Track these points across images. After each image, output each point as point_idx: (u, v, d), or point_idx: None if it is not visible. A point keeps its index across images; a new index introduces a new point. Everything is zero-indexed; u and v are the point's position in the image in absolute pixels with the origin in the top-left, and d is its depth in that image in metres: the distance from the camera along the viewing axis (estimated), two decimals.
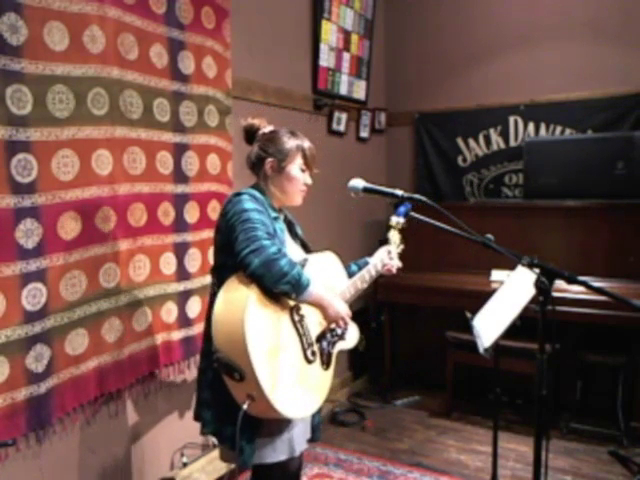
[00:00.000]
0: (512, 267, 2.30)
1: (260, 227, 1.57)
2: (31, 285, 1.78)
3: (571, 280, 1.55)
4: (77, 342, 1.95)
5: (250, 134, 1.82)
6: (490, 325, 2.12)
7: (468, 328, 2.19)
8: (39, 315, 1.80)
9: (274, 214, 1.73)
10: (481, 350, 2.06)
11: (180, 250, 2.38)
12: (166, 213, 2.30)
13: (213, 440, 2.58)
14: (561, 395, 3.34)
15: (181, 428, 2.49)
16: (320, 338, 1.73)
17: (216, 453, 2.52)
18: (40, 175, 1.80)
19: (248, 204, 1.63)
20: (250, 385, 1.48)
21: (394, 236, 2.01)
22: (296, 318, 1.65)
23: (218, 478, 2.52)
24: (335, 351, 1.80)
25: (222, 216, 1.69)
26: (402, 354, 4.00)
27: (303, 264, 1.73)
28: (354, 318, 1.85)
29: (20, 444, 1.80)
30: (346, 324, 1.73)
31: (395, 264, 2.01)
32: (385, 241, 2.03)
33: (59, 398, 1.89)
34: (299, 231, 1.93)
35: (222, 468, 2.52)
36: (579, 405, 3.30)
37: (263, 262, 1.50)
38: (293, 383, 1.59)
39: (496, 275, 3.30)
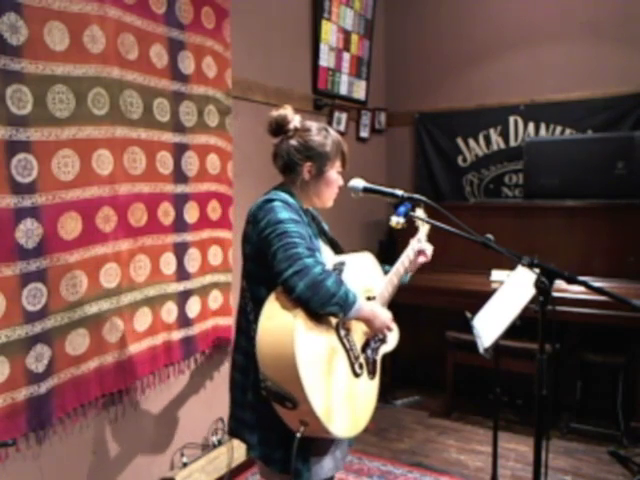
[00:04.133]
0: (512, 267, 2.31)
1: (300, 242, 1.43)
2: (31, 285, 1.78)
3: (571, 280, 1.55)
4: (78, 342, 1.95)
5: (279, 127, 1.63)
6: (490, 325, 2.13)
7: (468, 328, 2.20)
8: (39, 315, 1.80)
9: (306, 219, 1.61)
10: (481, 350, 2.06)
11: (180, 250, 2.38)
12: (166, 213, 2.30)
13: (213, 440, 2.58)
14: (561, 395, 3.34)
15: (181, 428, 2.49)
16: (364, 348, 1.65)
17: (216, 453, 2.53)
18: (40, 175, 1.80)
19: (283, 214, 1.49)
20: (303, 412, 1.40)
21: (420, 217, 1.94)
22: (342, 333, 1.55)
23: (218, 478, 2.52)
24: (379, 356, 1.73)
25: (252, 224, 1.55)
26: (402, 354, 3.98)
27: (341, 269, 1.61)
28: None
29: (20, 444, 1.80)
30: (391, 329, 1.68)
31: (427, 247, 1.90)
32: (386, 241, 2.01)
33: (59, 398, 1.89)
34: (325, 227, 1.82)
35: (222, 468, 2.52)
36: (579, 405, 3.30)
37: (309, 285, 1.39)
38: (344, 402, 1.50)
39: (496, 275, 3.30)
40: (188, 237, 2.41)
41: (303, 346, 1.40)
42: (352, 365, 1.56)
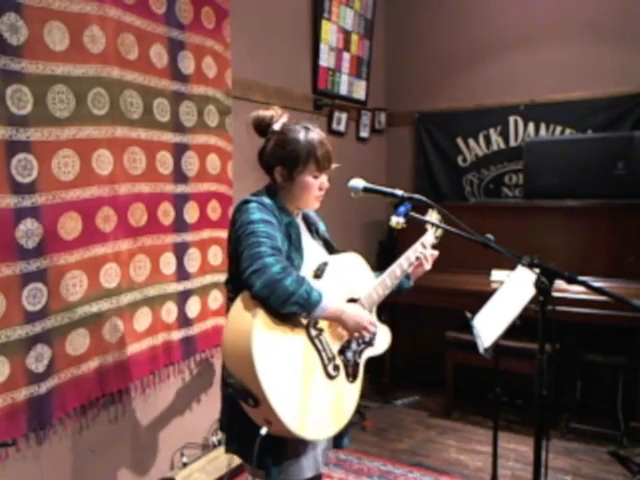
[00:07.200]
0: (512, 267, 2.30)
1: (265, 242, 1.45)
2: (31, 285, 1.78)
3: (571, 280, 1.55)
4: (78, 342, 1.95)
5: (261, 128, 1.66)
6: (490, 325, 2.12)
7: (468, 328, 2.19)
8: (39, 315, 1.80)
9: (287, 219, 1.61)
10: (481, 350, 2.06)
11: (180, 250, 2.38)
12: (166, 213, 2.30)
13: (213, 440, 2.58)
14: (561, 395, 3.34)
15: (181, 428, 2.49)
16: (344, 349, 1.62)
17: (216, 453, 2.53)
18: (40, 175, 1.80)
19: (255, 214, 1.51)
20: (265, 411, 1.40)
21: (432, 217, 1.86)
22: (313, 333, 1.53)
23: (218, 478, 2.52)
24: (363, 360, 1.68)
25: (232, 225, 1.58)
26: (402, 354, 4.00)
27: (322, 269, 1.61)
28: None
29: (20, 444, 1.80)
30: (370, 331, 1.61)
31: (429, 254, 1.84)
32: (386, 241, 2.00)
33: (59, 398, 1.89)
34: (321, 228, 1.81)
35: (222, 468, 2.52)
36: (579, 405, 3.30)
37: (266, 283, 1.39)
38: (313, 403, 1.48)
39: (496, 275, 3.30)
40: (188, 237, 2.41)
41: (261, 345, 1.40)
42: (325, 366, 1.54)
